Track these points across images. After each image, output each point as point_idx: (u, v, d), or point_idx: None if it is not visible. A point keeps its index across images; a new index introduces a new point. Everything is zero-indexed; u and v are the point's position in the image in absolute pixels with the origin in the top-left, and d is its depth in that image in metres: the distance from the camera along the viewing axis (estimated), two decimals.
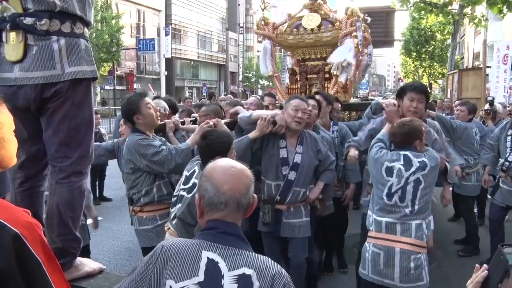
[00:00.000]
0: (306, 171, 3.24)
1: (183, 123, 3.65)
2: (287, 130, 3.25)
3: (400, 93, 3.38)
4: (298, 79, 5.70)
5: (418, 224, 2.78)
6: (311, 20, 5.40)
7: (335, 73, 5.05)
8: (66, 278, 1.56)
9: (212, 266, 1.30)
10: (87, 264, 2.03)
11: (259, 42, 5.77)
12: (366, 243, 2.92)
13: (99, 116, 8.04)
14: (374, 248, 2.83)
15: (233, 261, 1.31)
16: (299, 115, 3.18)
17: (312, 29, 5.34)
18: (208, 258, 1.31)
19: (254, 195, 1.43)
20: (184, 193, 2.54)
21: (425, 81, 32.26)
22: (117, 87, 28.23)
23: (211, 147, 2.43)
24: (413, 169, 2.80)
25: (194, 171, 2.57)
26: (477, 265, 1.46)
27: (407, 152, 2.85)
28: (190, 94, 38.68)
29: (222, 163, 1.44)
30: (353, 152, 3.41)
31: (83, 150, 1.93)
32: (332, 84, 5.30)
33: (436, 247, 5.07)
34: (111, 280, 1.98)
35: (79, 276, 1.96)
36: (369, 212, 2.98)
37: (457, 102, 7.11)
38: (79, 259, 2.01)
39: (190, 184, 2.53)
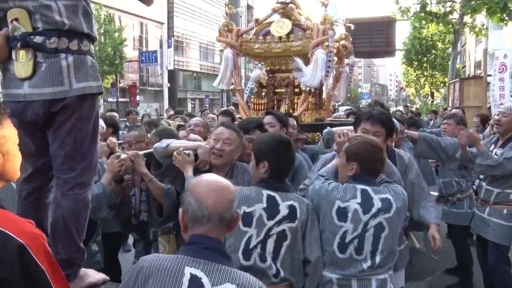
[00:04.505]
0: None
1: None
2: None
3: (355, 122, 2.69)
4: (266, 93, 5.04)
5: (381, 279, 2.14)
6: (280, 27, 4.80)
7: (303, 88, 4.54)
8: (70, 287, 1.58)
9: (195, 281, 1.31)
10: (91, 275, 2.06)
11: (221, 51, 5.19)
12: None
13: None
14: None
15: (216, 277, 1.32)
16: (217, 146, 2.56)
17: (280, 37, 4.70)
18: (191, 273, 1.32)
19: (238, 210, 1.46)
20: None
21: (427, 90, 32.30)
22: (120, 99, 28.36)
23: None
24: (374, 210, 2.11)
25: None
26: None
27: (366, 187, 2.15)
28: (193, 105, 38.82)
29: (207, 177, 1.48)
30: None
31: (87, 162, 1.98)
32: (301, 100, 4.68)
33: (440, 256, 5.07)
34: None
35: (83, 287, 1.98)
36: None
37: (453, 110, 6.39)
38: (83, 270, 2.04)
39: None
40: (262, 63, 5.39)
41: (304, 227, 2.11)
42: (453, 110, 6.77)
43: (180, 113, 8.79)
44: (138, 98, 30.08)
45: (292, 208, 2.09)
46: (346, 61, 5.60)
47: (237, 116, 5.11)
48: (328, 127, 3.47)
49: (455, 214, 4.28)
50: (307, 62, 4.61)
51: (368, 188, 2.15)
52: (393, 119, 2.92)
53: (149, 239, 2.94)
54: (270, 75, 5.08)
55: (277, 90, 4.92)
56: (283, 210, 2.07)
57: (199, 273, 1.31)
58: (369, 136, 2.35)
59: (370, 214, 2.10)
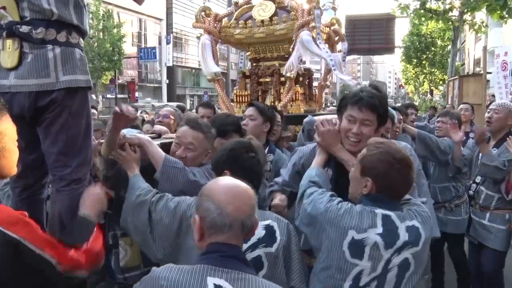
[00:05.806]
0: None
1: None
2: None
3: (340, 107, 2.10)
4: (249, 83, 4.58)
5: None
6: (263, 10, 4.36)
7: (288, 75, 4.08)
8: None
9: None
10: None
11: (198, 38, 4.71)
12: None
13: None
14: None
15: (242, 286, 1.23)
16: (178, 153, 2.21)
17: (262, 21, 4.25)
18: (214, 284, 1.21)
19: (257, 217, 1.36)
20: None
21: (426, 87, 32.33)
22: (118, 96, 28.34)
23: None
24: (399, 243, 1.63)
25: None
26: None
27: (388, 212, 1.66)
28: (191, 102, 38.81)
29: (225, 181, 1.37)
30: (280, 198, 2.23)
31: (81, 158, 1.95)
32: (286, 90, 4.20)
33: None
34: None
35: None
36: None
37: (461, 105, 5.69)
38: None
39: None
40: (245, 51, 4.91)
41: (286, 252, 1.75)
42: (461, 106, 5.78)
43: (181, 109, 8.56)
44: (136, 94, 30.05)
45: (269, 229, 1.72)
46: (338, 48, 5.07)
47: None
48: (309, 116, 2.99)
49: (454, 222, 3.89)
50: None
51: (392, 214, 1.66)
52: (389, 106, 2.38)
53: (107, 245, 2.46)
54: (254, 64, 4.63)
55: (261, 80, 4.47)
56: (259, 231, 1.67)
57: (223, 283, 1.21)
58: (393, 145, 1.79)
59: (394, 248, 1.63)
